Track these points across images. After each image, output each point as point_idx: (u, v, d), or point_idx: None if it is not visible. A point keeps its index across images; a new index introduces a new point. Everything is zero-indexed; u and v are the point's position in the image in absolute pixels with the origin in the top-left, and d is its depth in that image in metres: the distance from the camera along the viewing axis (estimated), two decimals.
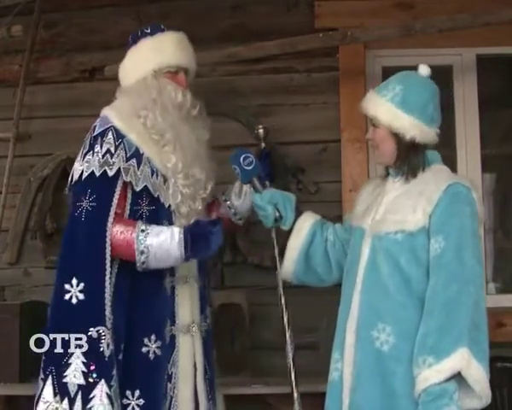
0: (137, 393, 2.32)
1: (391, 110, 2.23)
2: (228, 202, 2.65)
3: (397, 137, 2.24)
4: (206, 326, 2.51)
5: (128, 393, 2.32)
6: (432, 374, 2.03)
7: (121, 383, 2.31)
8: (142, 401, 2.31)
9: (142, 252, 2.30)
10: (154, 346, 2.35)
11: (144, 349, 2.34)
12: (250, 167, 2.50)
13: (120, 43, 3.41)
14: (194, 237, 2.33)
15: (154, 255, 2.31)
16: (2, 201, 3.49)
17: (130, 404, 2.31)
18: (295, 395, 2.53)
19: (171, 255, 2.32)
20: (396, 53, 3.55)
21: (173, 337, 2.40)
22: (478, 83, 3.55)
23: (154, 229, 2.33)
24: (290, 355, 2.55)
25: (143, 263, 2.32)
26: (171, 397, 2.38)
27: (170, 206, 2.43)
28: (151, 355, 2.35)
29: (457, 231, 2.12)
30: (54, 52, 3.66)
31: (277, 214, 2.46)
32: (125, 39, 3.33)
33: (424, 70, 2.30)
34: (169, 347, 2.39)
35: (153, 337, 2.35)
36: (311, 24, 3.50)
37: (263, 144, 2.73)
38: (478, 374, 2.04)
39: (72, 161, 3.46)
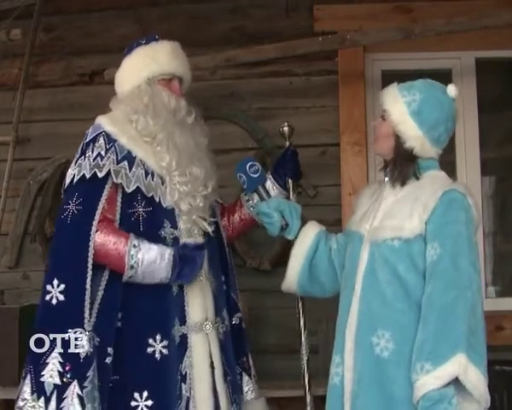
0: (145, 394, 2.31)
1: (403, 113, 2.22)
2: (250, 202, 2.65)
3: (397, 139, 2.24)
4: (225, 328, 2.50)
5: (136, 395, 2.31)
6: (429, 380, 2.02)
7: (128, 385, 2.32)
8: (150, 402, 2.31)
9: (131, 267, 2.32)
10: (159, 346, 2.34)
11: (150, 350, 2.34)
12: (256, 175, 2.50)
13: (120, 47, 3.40)
14: (183, 261, 2.35)
15: (142, 272, 2.33)
16: (2, 204, 3.48)
17: (138, 406, 2.31)
18: (308, 398, 2.53)
19: (158, 275, 2.35)
20: (395, 57, 3.56)
21: (184, 337, 2.39)
22: (477, 86, 3.56)
23: (145, 245, 2.34)
24: (305, 359, 2.55)
25: (130, 277, 2.34)
26: (188, 398, 2.36)
27: (171, 205, 2.43)
28: (157, 355, 2.34)
29: (453, 238, 2.12)
30: (53, 56, 3.66)
31: (283, 222, 2.45)
32: (124, 43, 3.32)
33: (452, 91, 2.26)
34: (180, 347, 2.38)
35: (158, 337, 2.35)
36: (310, 28, 3.51)
37: (287, 142, 2.71)
38: (476, 379, 2.04)
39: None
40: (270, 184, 2.65)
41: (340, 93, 3.51)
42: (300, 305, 2.60)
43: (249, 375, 2.61)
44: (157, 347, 2.34)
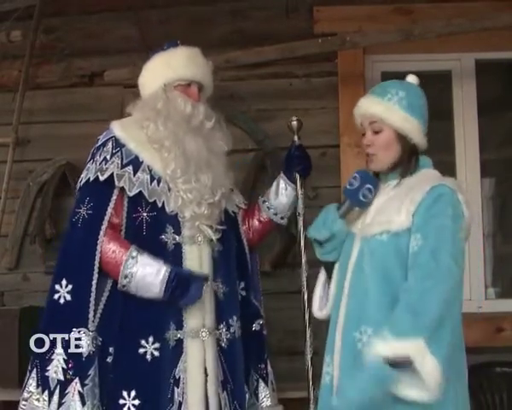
0: (133, 393, 2.36)
1: (400, 113, 2.24)
2: (267, 203, 2.69)
3: (403, 140, 2.25)
4: (230, 335, 2.50)
5: (124, 393, 2.36)
6: (383, 347, 1.99)
7: (118, 383, 2.37)
8: (137, 402, 2.35)
9: (125, 276, 2.38)
10: (151, 347, 2.38)
11: (141, 350, 2.38)
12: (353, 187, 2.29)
13: (120, 49, 3.44)
14: (178, 281, 2.37)
15: (135, 284, 2.38)
16: (2, 206, 3.48)
17: (125, 404, 2.35)
18: (311, 398, 2.53)
19: (151, 290, 2.39)
20: (395, 58, 3.56)
21: (180, 342, 2.41)
22: (477, 88, 3.56)
23: (144, 259, 2.39)
24: (309, 358, 2.55)
25: (124, 286, 2.40)
26: (180, 403, 2.38)
27: (175, 211, 2.46)
28: (148, 356, 2.38)
29: (436, 231, 2.10)
30: (53, 57, 3.66)
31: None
32: (124, 45, 3.35)
33: (413, 79, 2.34)
34: (175, 351, 2.40)
35: (150, 339, 2.38)
36: (309, 29, 3.51)
37: (296, 137, 2.72)
38: (431, 368, 1.98)
39: (71, 167, 3.51)
40: (283, 183, 2.68)
41: (340, 94, 3.51)
42: (306, 304, 2.59)
43: (266, 382, 2.62)
44: (148, 348, 2.38)
